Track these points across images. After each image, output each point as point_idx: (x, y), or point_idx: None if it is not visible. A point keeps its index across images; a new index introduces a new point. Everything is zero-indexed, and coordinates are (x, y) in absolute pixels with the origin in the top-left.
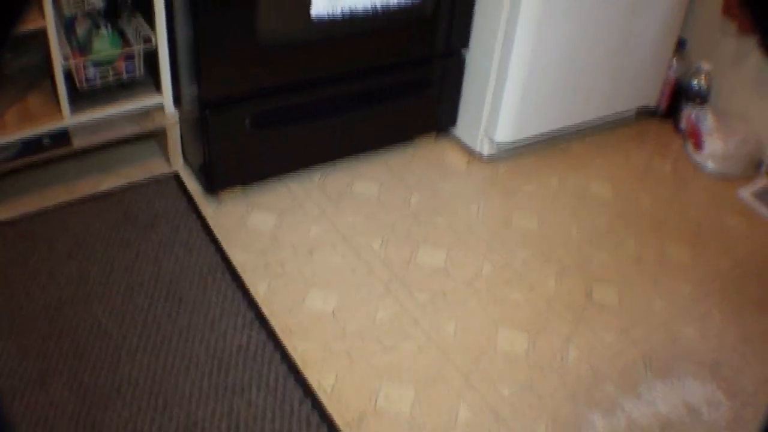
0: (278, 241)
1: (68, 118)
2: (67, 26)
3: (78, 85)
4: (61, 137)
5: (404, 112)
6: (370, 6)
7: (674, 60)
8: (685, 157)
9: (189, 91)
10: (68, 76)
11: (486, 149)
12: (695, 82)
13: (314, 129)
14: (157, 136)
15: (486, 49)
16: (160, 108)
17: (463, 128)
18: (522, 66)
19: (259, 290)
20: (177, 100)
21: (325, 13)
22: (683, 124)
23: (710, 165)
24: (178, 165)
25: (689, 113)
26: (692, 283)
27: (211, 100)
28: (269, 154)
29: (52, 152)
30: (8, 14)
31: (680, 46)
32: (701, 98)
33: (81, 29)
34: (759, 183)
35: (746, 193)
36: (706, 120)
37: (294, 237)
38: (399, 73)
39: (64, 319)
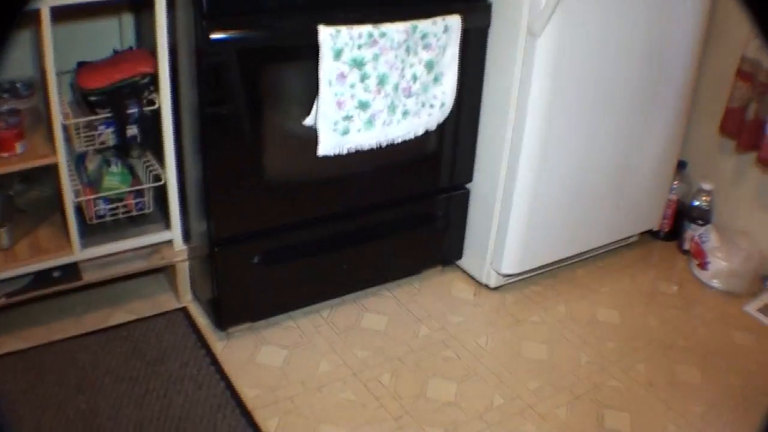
0: (288, 377)
1: (78, 253)
2: (78, 161)
3: (88, 219)
4: (71, 271)
5: (410, 245)
6: (375, 144)
7: (675, 182)
8: (691, 277)
9: (198, 227)
10: (79, 210)
11: (492, 280)
12: (697, 202)
13: (322, 264)
14: (167, 271)
15: (490, 183)
16: (169, 244)
17: (469, 260)
18: (526, 198)
19: (269, 427)
20: (186, 235)
21: (332, 153)
22: (687, 245)
23: (716, 283)
24: (187, 300)
25: (692, 233)
26: (704, 404)
27: (221, 238)
28: (278, 289)
29: (61, 285)
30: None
31: (681, 167)
32: (703, 218)
33: (92, 165)
34: (764, 298)
35: (752, 308)
36: (710, 239)
37: (303, 373)
38: (404, 207)
39: None
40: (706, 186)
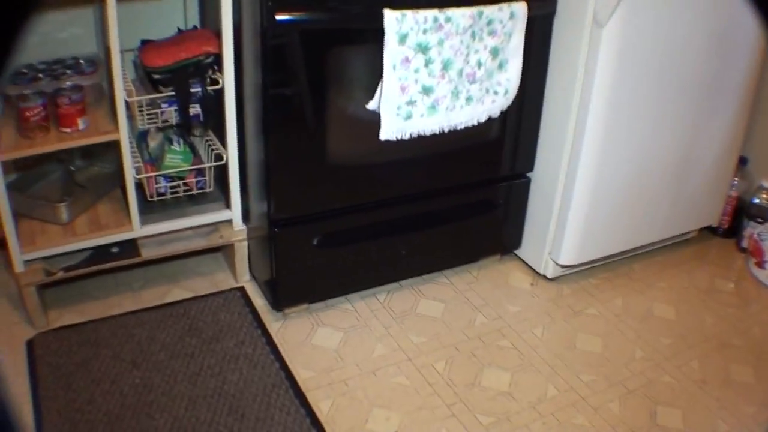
0: (342, 360)
1: (137, 229)
2: (140, 139)
3: (149, 196)
4: (130, 247)
5: (469, 233)
6: (437, 130)
7: (736, 178)
8: (748, 276)
9: (258, 208)
10: (139, 188)
11: (550, 271)
12: (757, 200)
13: (380, 249)
14: (225, 250)
15: (551, 173)
16: (229, 223)
17: (527, 249)
18: (587, 189)
19: (322, 408)
20: (246, 215)
21: (394, 137)
22: (745, 242)
23: None
24: (245, 279)
25: (752, 231)
26: (757, 404)
27: (280, 219)
28: (336, 272)
29: (120, 261)
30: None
31: (741, 163)
32: (763, 216)
33: (154, 143)
34: None
35: None
36: None
37: (358, 356)
38: (465, 194)
39: (126, 427)
40: (767, 183)
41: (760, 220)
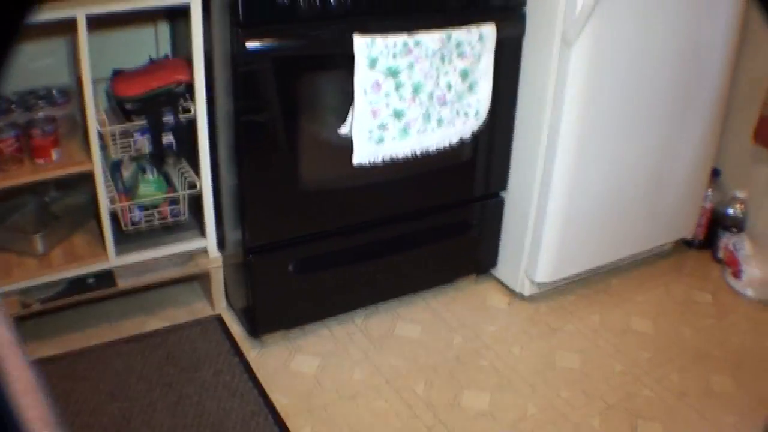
0: (321, 385)
1: (113, 260)
2: (114, 169)
3: (123, 226)
4: (106, 277)
5: (445, 254)
6: (410, 153)
7: (709, 190)
8: (725, 286)
9: (233, 235)
10: (114, 218)
11: (527, 289)
12: (731, 210)
13: (356, 272)
14: (201, 278)
15: (524, 191)
16: (204, 251)
17: (503, 268)
18: (560, 206)
19: None
20: (221, 243)
21: (367, 162)
22: (721, 253)
23: (749, 292)
24: (221, 307)
25: (726, 242)
26: (737, 413)
27: (255, 245)
28: (312, 297)
29: (96, 292)
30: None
31: (715, 175)
32: (738, 226)
33: (127, 172)
34: None
35: None
36: (744, 247)
37: (337, 381)
38: (439, 216)
39: None
40: (740, 194)
41: (734, 230)
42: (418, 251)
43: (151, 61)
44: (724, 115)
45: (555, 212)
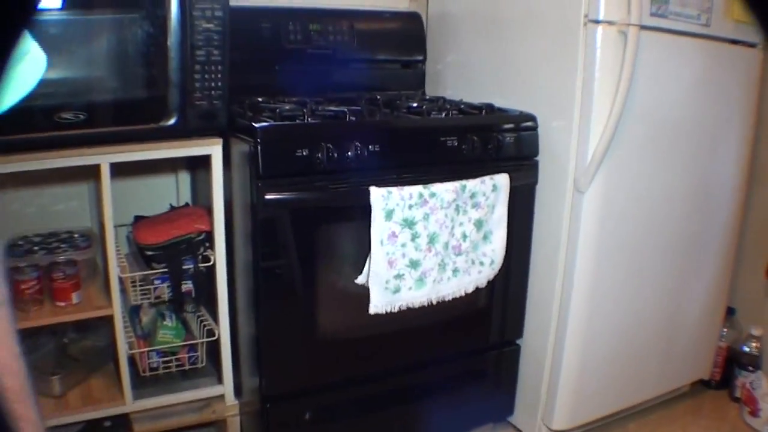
0: None
1: (130, 404)
2: (133, 313)
3: (141, 371)
4: (123, 421)
5: (461, 402)
6: (426, 302)
7: (725, 329)
8: (743, 425)
9: (250, 382)
10: (132, 362)
11: None
12: (747, 348)
13: (372, 422)
14: (218, 425)
15: (540, 338)
16: (221, 398)
17: (520, 416)
18: (576, 352)
19: None
20: (238, 390)
21: (383, 311)
22: (738, 392)
23: None
24: None
25: (743, 380)
26: None
27: (272, 394)
28: None
29: None
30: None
31: (729, 314)
32: (754, 364)
33: (146, 318)
34: None
35: None
36: (761, 386)
37: None
38: (455, 364)
39: None
40: (756, 332)
41: (751, 368)
42: (435, 400)
43: (172, 208)
44: (736, 253)
45: (571, 358)
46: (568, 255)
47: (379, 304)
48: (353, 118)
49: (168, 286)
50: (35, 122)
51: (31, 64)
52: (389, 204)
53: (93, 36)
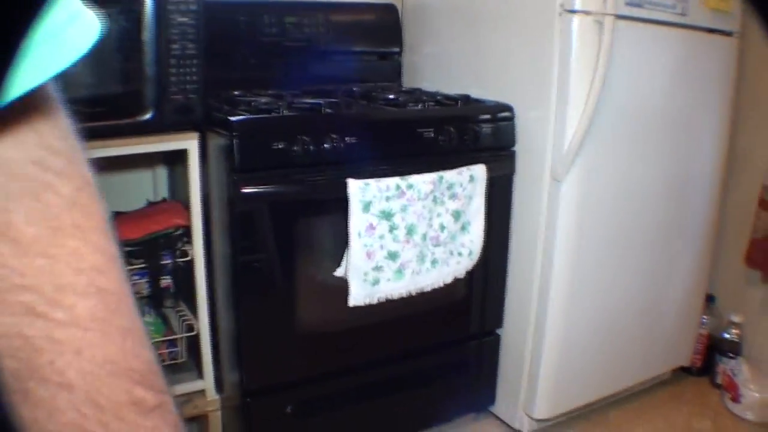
0: None
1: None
2: None
3: None
4: None
5: (442, 392)
6: (405, 293)
7: (705, 316)
8: (725, 411)
9: (231, 377)
10: None
11: (526, 426)
12: (727, 335)
13: (353, 414)
14: (199, 420)
15: (520, 327)
16: (202, 393)
17: (501, 405)
18: (556, 341)
19: None
20: (219, 384)
21: (363, 303)
22: (719, 378)
23: (750, 415)
24: None
25: (724, 367)
26: None
27: (253, 388)
28: None
29: None
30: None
31: (709, 301)
32: (734, 350)
33: None
34: None
35: None
36: (742, 371)
37: None
38: (436, 354)
39: None
40: (736, 318)
41: (731, 355)
42: (416, 391)
43: (150, 204)
44: (714, 240)
45: (551, 347)
46: (547, 244)
47: (358, 296)
48: (330, 111)
49: (146, 282)
50: None
51: (83, 28)
52: (366, 196)
53: None
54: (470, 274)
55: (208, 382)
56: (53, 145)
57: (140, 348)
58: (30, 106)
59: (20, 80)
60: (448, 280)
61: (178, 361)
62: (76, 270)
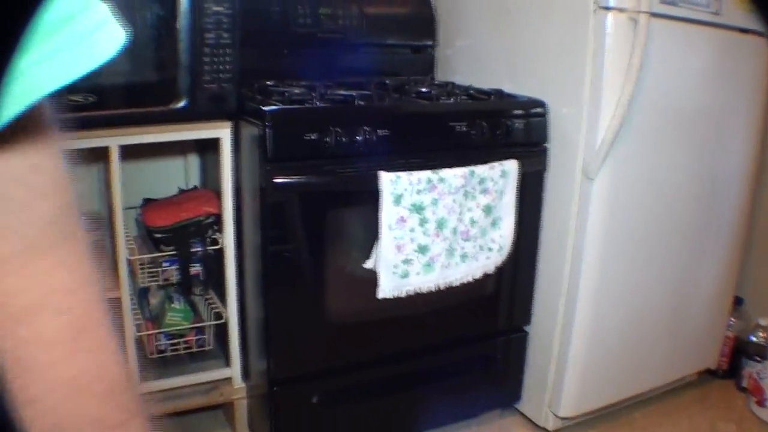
0: None
1: (137, 386)
2: (141, 296)
3: (149, 354)
4: None
5: (469, 387)
6: (434, 287)
7: (732, 319)
8: (750, 415)
9: (258, 365)
10: (139, 344)
11: (551, 424)
12: (754, 338)
13: (380, 406)
14: (225, 408)
15: (548, 325)
16: (229, 381)
17: (527, 403)
18: (583, 339)
19: None
20: (245, 372)
21: (391, 295)
22: (745, 382)
23: None
24: None
25: (750, 371)
26: None
27: (280, 377)
28: (336, 430)
29: None
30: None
31: (737, 304)
32: (761, 354)
33: (154, 300)
34: None
35: None
36: None
37: None
38: (463, 349)
39: None
40: (763, 322)
41: (758, 358)
42: (443, 385)
43: (181, 191)
44: (744, 242)
45: (578, 346)
46: (577, 242)
47: (387, 288)
48: (362, 103)
49: (176, 269)
50: None
51: (109, 35)
52: (398, 189)
53: None
54: (499, 270)
55: (234, 370)
56: (38, 163)
57: (108, 367)
58: (20, 123)
59: (33, 87)
60: (478, 275)
61: (205, 348)
62: (48, 290)
